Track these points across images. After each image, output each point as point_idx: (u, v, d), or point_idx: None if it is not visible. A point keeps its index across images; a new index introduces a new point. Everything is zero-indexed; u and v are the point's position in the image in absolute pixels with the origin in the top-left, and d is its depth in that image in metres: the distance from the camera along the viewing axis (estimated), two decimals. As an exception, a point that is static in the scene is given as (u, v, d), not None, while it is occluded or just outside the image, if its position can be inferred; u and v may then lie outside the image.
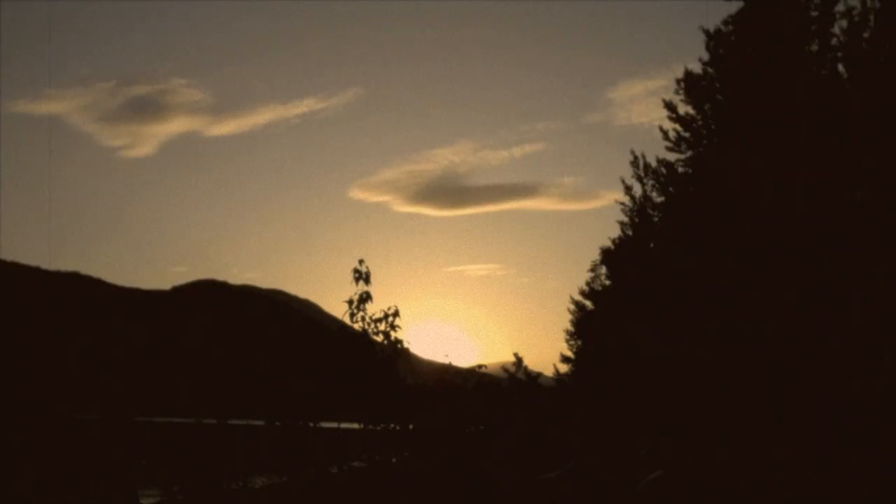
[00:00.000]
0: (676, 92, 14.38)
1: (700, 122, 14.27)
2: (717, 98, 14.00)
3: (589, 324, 22.67)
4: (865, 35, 11.93)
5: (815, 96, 11.69)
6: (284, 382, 7.55)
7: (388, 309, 6.98)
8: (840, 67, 12.38)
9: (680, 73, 14.31)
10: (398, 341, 6.94)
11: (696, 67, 14.16)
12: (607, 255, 20.62)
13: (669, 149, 14.72)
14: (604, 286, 22.18)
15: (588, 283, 23.15)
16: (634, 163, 16.47)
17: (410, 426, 7.04)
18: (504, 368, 8.89)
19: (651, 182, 16.37)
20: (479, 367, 8.06)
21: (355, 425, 6.96)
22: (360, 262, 6.96)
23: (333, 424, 7.23)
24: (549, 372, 22.98)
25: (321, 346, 7.10)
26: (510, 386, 8.88)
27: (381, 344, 6.94)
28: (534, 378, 8.92)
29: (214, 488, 5.59)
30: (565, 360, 24.36)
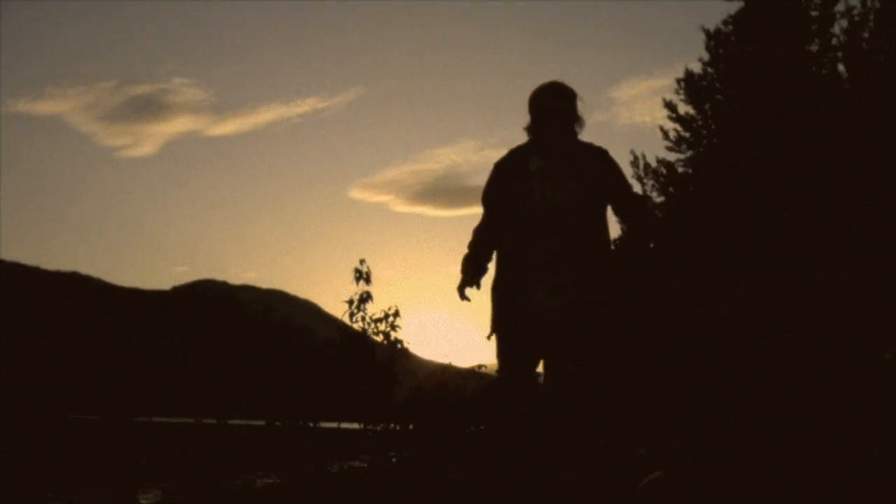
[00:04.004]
0: (676, 92, 14.40)
1: (700, 122, 14.28)
2: (717, 98, 14.01)
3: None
4: (865, 35, 11.93)
5: (815, 96, 11.69)
6: (284, 382, 7.55)
7: (388, 309, 6.99)
8: (840, 67, 12.39)
9: (682, 73, 14.32)
10: (398, 341, 6.94)
11: (697, 67, 14.18)
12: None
13: (669, 149, 14.72)
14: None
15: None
16: (634, 163, 16.46)
17: (410, 426, 7.05)
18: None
19: (651, 182, 16.36)
20: (479, 367, 8.06)
21: (355, 425, 6.96)
22: (361, 261, 6.96)
23: (333, 424, 7.23)
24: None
25: (321, 346, 7.11)
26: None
27: (380, 344, 6.95)
28: (534, 377, 8.90)
29: (214, 488, 5.58)
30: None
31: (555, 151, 4.03)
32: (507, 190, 4.05)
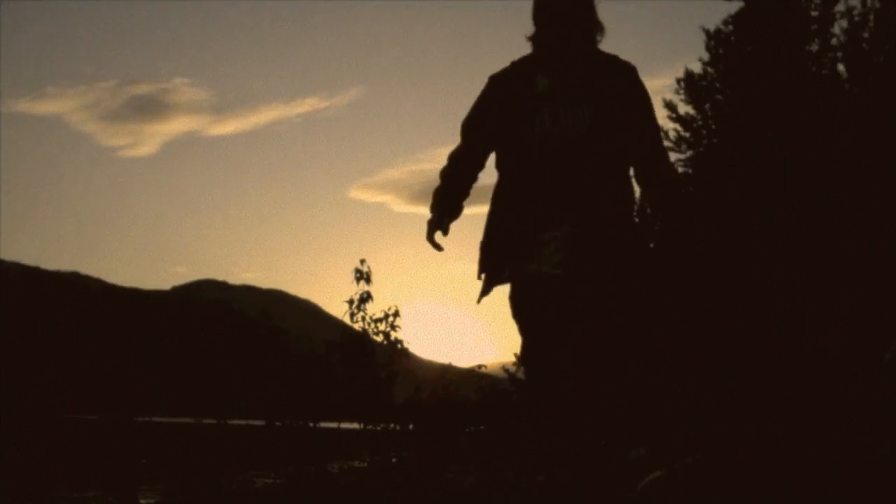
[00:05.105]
0: (676, 92, 14.42)
1: (700, 122, 14.30)
2: (717, 98, 14.03)
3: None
4: (865, 35, 11.94)
5: (815, 96, 11.69)
6: (284, 382, 7.55)
7: (388, 309, 6.99)
8: (840, 67, 12.40)
9: (682, 73, 14.35)
10: (398, 341, 6.95)
11: (697, 67, 14.20)
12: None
13: (669, 149, 14.73)
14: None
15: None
16: (634, 162, 16.45)
17: (410, 426, 7.05)
18: (504, 368, 8.89)
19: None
20: (480, 367, 8.07)
21: (355, 425, 6.96)
22: (362, 261, 6.96)
23: (333, 424, 7.23)
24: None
25: (323, 346, 7.11)
26: (510, 385, 8.88)
27: (380, 344, 6.95)
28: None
29: (214, 488, 5.59)
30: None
31: (566, 67, 3.20)
32: (505, 114, 3.24)
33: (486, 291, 3.38)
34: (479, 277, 3.37)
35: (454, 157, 3.46)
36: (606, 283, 3.14)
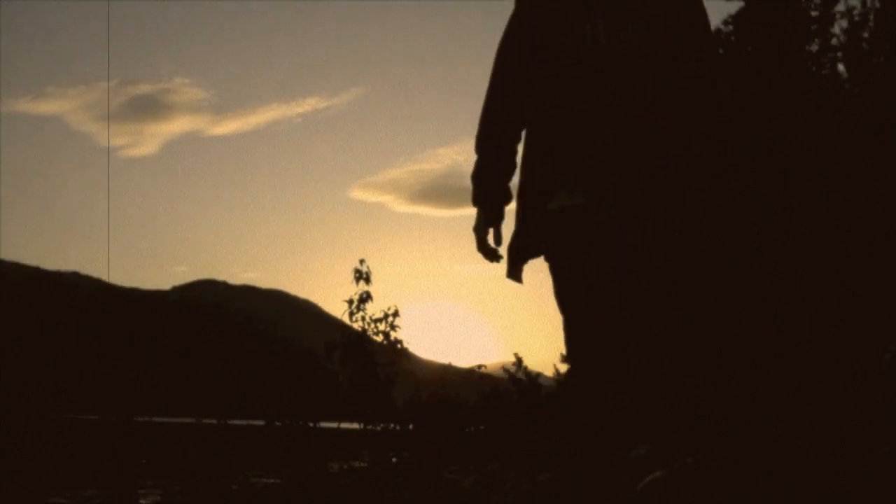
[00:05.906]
0: (677, 92, 14.41)
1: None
2: (718, 98, 14.05)
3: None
4: (865, 35, 11.95)
5: (815, 96, 11.70)
6: (284, 382, 7.56)
7: (388, 309, 7.01)
8: (840, 67, 12.41)
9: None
10: (398, 341, 6.96)
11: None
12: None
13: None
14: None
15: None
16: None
17: (410, 426, 7.07)
18: (504, 368, 8.90)
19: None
20: (479, 367, 8.08)
21: (355, 425, 6.98)
22: (361, 261, 7.00)
23: (333, 424, 7.24)
24: (549, 372, 23.00)
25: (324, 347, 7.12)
26: (511, 385, 8.88)
27: (380, 344, 6.97)
28: (534, 378, 8.93)
29: (214, 488, 5.59)
30: (566, 359, 24.31)
31: None
32: (539, 32, 2.56)
33: (514, 266, 2.69)
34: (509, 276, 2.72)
35: (488, 115, 2.68)
36: (609, 277, 2.67)
